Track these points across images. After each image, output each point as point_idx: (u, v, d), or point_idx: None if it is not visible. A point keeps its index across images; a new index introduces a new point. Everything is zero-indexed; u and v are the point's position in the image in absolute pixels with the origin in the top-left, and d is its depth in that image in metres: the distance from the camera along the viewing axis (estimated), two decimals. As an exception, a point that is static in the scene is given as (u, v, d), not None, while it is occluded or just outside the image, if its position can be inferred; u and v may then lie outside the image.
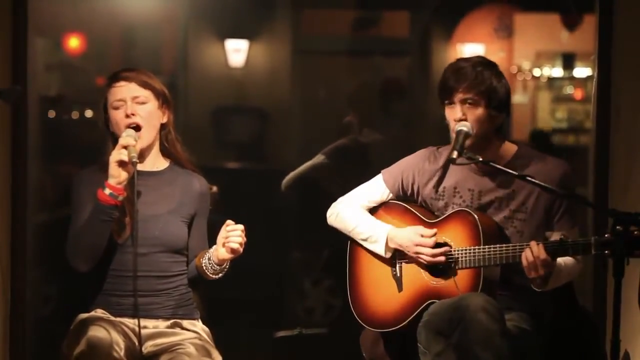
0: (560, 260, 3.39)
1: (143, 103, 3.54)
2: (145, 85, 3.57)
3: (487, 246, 3.39)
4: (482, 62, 3.50)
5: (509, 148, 3.57)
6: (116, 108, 3.54)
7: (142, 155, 3.55)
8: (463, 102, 3.46)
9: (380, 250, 3.60)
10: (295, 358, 5.13)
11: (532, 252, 3.28)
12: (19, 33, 4.25)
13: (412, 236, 3.53)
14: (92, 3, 5.66)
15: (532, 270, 3.29)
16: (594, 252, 3.16)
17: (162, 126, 3.63)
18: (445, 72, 3.52)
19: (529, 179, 3.32)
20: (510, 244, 3.37)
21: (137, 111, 3.52)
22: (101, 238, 3.44)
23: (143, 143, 3.53)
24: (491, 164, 3.41)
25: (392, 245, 3.59)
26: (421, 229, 3.53)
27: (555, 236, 3.44)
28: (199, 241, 3.63)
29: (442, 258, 3.48)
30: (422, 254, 3.50)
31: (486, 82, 3.46)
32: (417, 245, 3.51)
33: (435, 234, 3.50)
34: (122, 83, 3.56)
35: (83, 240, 3.44)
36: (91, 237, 3.43)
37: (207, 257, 3.54)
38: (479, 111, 3.46)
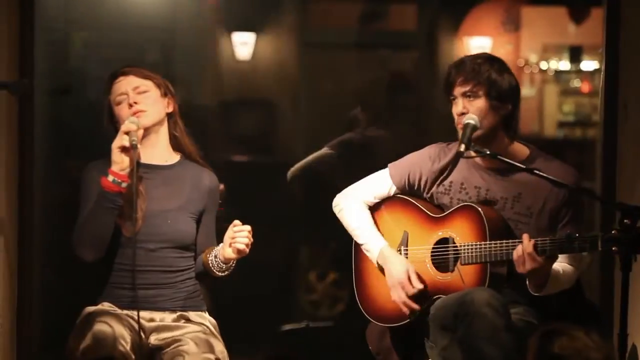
0: (557, 266, 3.38)
1: (144, 92, 3.55)
2: (144, 76, 3.59)
3: (492, 242, 3.37)
4: (482, 57, 3.51)
5: (520, 150, 3.54)
6: (119, 103, 3.54)
7: (152, 145, 3.54)
8: (463, 95, 3.46)
9: (372, 259, 3.62)
10: (301, 351, 5.12)
11: (522, 245, 3.27)
12: (26, 26, 4.25)
13: (402, 275, 3.51)
14: (99, -4, 5.66)
15: (520, 264, 3.28)
16: (601, 248, 3.13)
17: (169, 115, 3.63)
18: (448, 68, 3.53)
19: (537, 172, 3.31)
20: (517, 240, 3.34)
21: (140, 99, 3.53)
22: (105, 226, 3.44)
23: (147, 122, 3.50)
24: (499, 157, 3.39)
25: (380, 262, 3.59)
26: (414, 274, 3.50)
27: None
28: (207, 237, 3.63)
29: (416, 306, 3.49)
30: (399, 294, 3.50)
31: (483, 74, 3.45)
32: (401, 286, 3.50)
33: (423, 290, 3.49)
34: (121, 78, 3.57)
35: (88, 228, 3.45)
36: (95, 225, 3.44)
37: (213, 255, 3.54)
38: (479, 103, 3.45)
